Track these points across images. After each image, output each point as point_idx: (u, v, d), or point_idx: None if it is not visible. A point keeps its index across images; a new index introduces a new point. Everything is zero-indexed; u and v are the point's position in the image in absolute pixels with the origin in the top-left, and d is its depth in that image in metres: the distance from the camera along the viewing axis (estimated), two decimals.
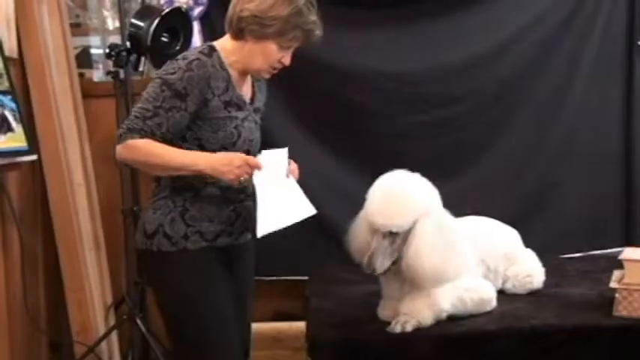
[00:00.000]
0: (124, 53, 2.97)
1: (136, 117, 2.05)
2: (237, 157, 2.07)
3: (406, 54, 3.17)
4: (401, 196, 2.14)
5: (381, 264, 2.13)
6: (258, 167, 2.08)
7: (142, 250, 2.16)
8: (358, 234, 2.21)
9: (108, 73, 3.08)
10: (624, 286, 2.22)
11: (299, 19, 2.09)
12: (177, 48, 2.91)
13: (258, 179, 2.09)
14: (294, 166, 2.24)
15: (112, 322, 3.18)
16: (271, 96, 2.83)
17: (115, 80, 3.04)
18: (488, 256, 2.39)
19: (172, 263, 2.12)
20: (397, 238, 2.14)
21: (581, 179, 3.26)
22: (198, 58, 2.08)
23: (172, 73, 2.06)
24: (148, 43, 2.84)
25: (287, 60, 2.16)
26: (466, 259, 2.29)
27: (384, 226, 2.13)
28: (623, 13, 3.17)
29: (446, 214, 2.22)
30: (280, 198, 2.14)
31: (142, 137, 2.03)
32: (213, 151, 2.11)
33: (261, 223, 2.09)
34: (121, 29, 3.14)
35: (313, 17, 2.12)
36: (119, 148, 2.05)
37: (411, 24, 3.14)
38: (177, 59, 2.10)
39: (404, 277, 2.18)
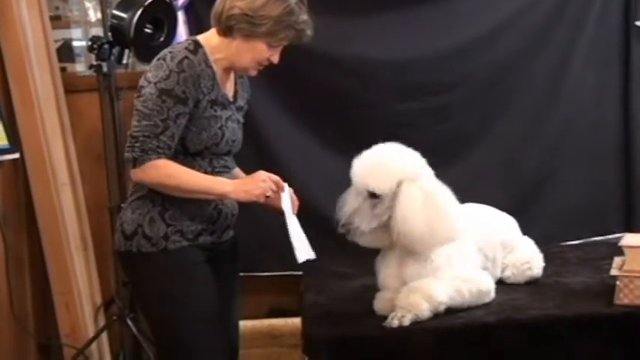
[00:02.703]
0: (107, 46, 2.96)
1: (147, 136, 2.03)
2: (258, 173, 2.13)
3: (398, 41, 3.18)
4: (382, 159, 2.20)
5: (360, 224, 2.16)
6: (279, 183, 2.13)
7: (122, 252, 2.16)
8: (347, 200, 2.24)
9: (90, 66, 3.07)
10: (625, 274, 2.23)
11: (291, 18, 2.09)
12: (162, 39, 2.91)
13: (285, 205, 2.16)
14: (295, 199, 2.26)
15: (102, 322, 3.19)
16: (262, 87, 2.85)
17: (98, 74, 3.04)
18: (486, 245, 2.40)
19: (153, 264, 2.12)
20: (380, 203, 2.17)
21: (580, 165, 3.27)
22: (186, 57, 2.07)
23: (166, 78, 2.04)
24: (131, 34, 2.84)
25: (275, 58, 2.16)
26: (464, 246, 2.31)
27: (363, 185, 2.17)
28: None
29: (435, 182, 2.24)
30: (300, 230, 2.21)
31: (160, 156, 2.04)
32: (196, 151, 2.12)
33: (299, 249, 2.16)
34: (103, 21, 3.13)
35: (304, 16, 2.12)
36: (138, 171, 2.05)
37: (402, 10, 3.14)
38: (164, 58, 2.07)
39: (396, 243, 2.21)
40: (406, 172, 2.18)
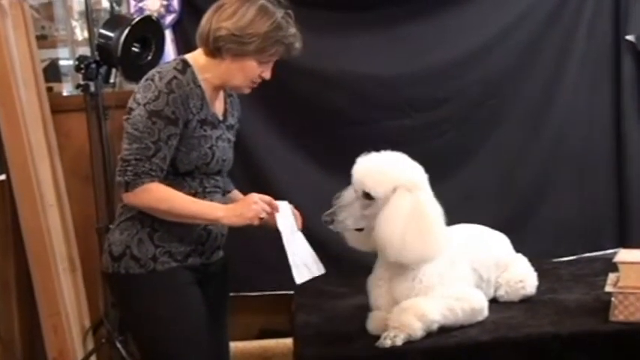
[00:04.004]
0: (94, 65, 2.97)
1: (138, 159, 2.02)
2: (250, 195, 2.13)
3: (388, 57, 3.19)
4: (383, 163, 2.21)
5: (344, 220, 2.17)
6: (272, 203, 2.13)
7: (110, 274, 2.15)
8: (343, 195, 2.26)
9: (78, 86, 3.07)
10: (620, 290, 2.23)
11: (279, 33, 2.09)
12: (149, 58, 2.92)
13: (281, 225, 2.15)
14: (298, 215, 2.27)
15: (91, 346, 3.17)
16: (250, 103, 2.84)
17: (86, 94, 3.04)
18: (480, 265, 2.40)
19: (141, 286, 2.11)
20: (372, 205, 2.18)
21: (573, 180, 3.28)
22: (175, 77, 2.07)
23: (155, 99, 2.03)
24: (119, 54, 2.84)
25: (267, 74, 2.16)
26: (459, 267, 2.31)
27: (360, 185, 2.18)
28: (609, 8, 3.19)
29: (430, 197, 2.24)
30: (303, 247, 2.21)
31: (152, 179, 2.03)
32: (186, 171, 2.12)
33: (297, 270, 2.16)
34: (90, 40, 3.14)
35: (293, 30, 2.12)
36: (130, 195, 2.04)
37: (392, 26, 3.16)
38: (152, 79, 2.07)
39: (376, 249, 2.22)
40: (404, 180, 2.19)
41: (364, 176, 2.19)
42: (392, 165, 2.21)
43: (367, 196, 2.18)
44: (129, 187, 2.03)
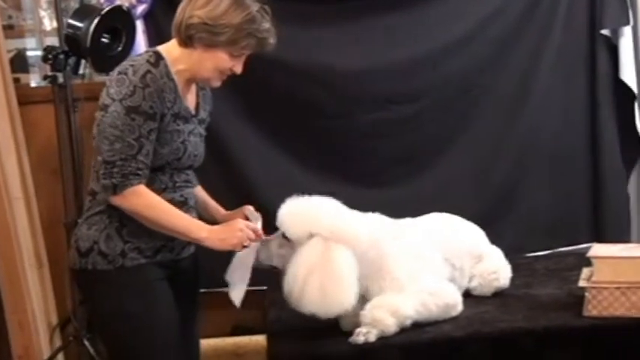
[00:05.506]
0: (62, 56, 2.93)
1: (124, 159, 2.00)
2: (236, 221, 2.13)
3: (366, 50, 3.18)
4: (307, 206, 2.20)
5: (263, 256, 2.18)
6: (258, 232, 2.13)
7: (77, 270, 2.13)
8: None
9: (45, 77, 3.04)
10: (593, 285, 2.26)
11: (252, 26, 2.07)
12: (120, 49, 2.89)
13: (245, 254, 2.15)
14: (259, 216, 2.26)
15: (58, 343, 3.15)
16: (225, 96, 2.84)
17: (54, 85, 3.00)
18: (453, 255, 2.42)
19: (109, 283, 2.09)
20: (286, 247, 2.18)
21: (548, 174, 3.31)
22: (149, 71, 2.04)
23: (131, 95, 2.01)
24: (88, 44, 2.81)
25: (238, 69, 2.14)
26: (429, 259, 2.32)
27: (278, 221, 2.19)
28: (584, 2, 3.22)
29: (349, 251, 2.16)
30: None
31: (141, 180, 2.02)
32: (157, 166, 2.09)
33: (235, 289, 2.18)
34: (59, 30, 3.10)
35: (267, 25, 2.10)
36: (118, 198, 2.01)
37: (369, 19, 3.15)
38: (125, 73, 2.04)
39: None
40: (323, 228, 2.16)
41: (284, 215, 2.19)
42: (315, 210, 2.19)
43: (285, 237, 2.18)
44: (117, 189, 2.01)
